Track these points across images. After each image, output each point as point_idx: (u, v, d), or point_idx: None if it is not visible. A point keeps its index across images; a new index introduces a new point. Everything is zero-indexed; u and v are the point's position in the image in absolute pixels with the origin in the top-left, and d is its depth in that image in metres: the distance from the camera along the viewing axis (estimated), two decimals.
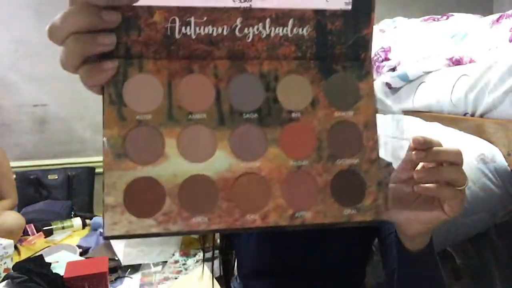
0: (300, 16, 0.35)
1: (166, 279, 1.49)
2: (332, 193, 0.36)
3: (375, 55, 1.65)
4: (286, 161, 0.35)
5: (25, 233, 1.92)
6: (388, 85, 1.58)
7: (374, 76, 1.68)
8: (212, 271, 0.76)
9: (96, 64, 0.32)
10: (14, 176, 2.12)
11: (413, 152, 0.40)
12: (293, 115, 0.36)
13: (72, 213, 2.23)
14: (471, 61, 1.23)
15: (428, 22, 1.62)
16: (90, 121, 2.44)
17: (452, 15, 1.60)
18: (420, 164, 0.41)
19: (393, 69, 1.60)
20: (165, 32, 0.33)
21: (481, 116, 1.08)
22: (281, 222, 0.35)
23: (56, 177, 2.36)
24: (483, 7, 2.56)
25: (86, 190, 2.40)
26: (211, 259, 0.77)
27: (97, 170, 2.45)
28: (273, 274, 0.71)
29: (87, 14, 0.30)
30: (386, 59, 1.62)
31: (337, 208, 0.36)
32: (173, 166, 0.34)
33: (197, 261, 1.62)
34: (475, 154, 0.97)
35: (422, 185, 0.40)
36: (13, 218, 1.82)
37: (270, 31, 0.35)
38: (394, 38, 1.66)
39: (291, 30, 0.35)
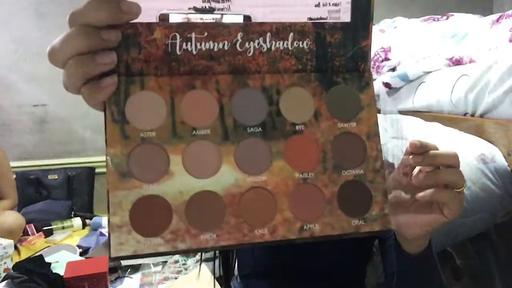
0: (300, 30, 0.35)
1: (166, 279, 1.49)
2: (339, 204, 0.36)
3: (375, 55, 1.65)
4: (292, 174, 0.35)
5: (25, 233, 1.92)
6: (388, 85, 1.58)
7: (374, 76, 1.68)
8: (214, 271, 0.76)
9: (95, 82, 0.32)
10: (14, 176, 2.12)
11: (410, 157, 0.40)
12: (297, 127, 0.36)
13: (72, 213, 2.23)
14: (471, 61, 1.23)
15: (428, 22, 1.62)
16: (90, 121, 2.44)
17: (452, 15, 1.60)
18: (417, 168, 0.42)
19: (393, 69, 1.60)
20: (166, 48, 0.33)
21: (481, 116, 1.08)
22: (289, 236, 0.35)
23: (56, 177, 2.36)
24: (483, 7, 2.57)
25: (86, 190, 2.40)
26: (211, 259, 0.77)
27: (97, 170, 2.45)
28: (273, 274, 0.71)
29: (86, 35, 0.30)
30: (386, 59, 1.62)
31: (344, 219, 0.36)
32: (179, 183, 0.33)
33: (197, 261, 1.62)
34: (475, 154, 0.97)
35: (421, 193, 0.40)
36: (13, 218, 1.83)
37: (271, 45, 0.35)
38: (394, 38, 1.66)
39: (292, 44, 0.36)
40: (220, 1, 0.34)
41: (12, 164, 2.10)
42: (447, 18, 1.58)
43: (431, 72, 1.36)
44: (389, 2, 2.52)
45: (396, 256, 0.50)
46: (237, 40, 0.34)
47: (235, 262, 0.82)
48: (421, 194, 0.40)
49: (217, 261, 0.78)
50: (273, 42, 0.35)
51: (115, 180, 0.33)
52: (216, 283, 0.84)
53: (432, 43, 1.45)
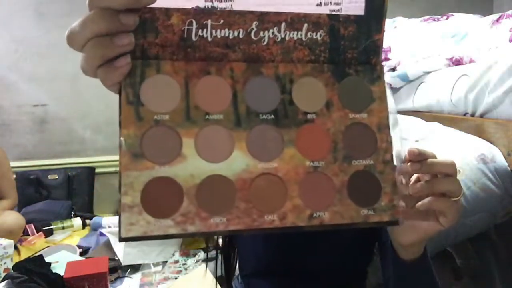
0: (315, 21, 0.36)
1: (166, 279, 1.49)
2: (348, 193, 0.36)
3: None
4: (303, 162, 0.36)
5: (25, 233, 1.92)
6: (388, 85, 1.58)
7: None
8: (216, 270, 0.76)
9: (110, 63, 0.32)
10: (14, 176, 2.12)
11: (408, 164, 0.40)
12: (309, 116, 0.37)
13: (72, 213, 2.23)
14: (471, 61, 1.23)
15: (428, 22, 1.62)
16: (90, 121, 2.44)
17: (452, 15, 1.60)
18: (414, 176, 0.42)
19: (393, 69, 1.60)
20: (182, 34, 0.34)
21: (481, 116, 1.08)
22: (299, 223, 0.35)
23: (56, 177, 2.36)
24: (483, 7, 2.57)
25: (86, 190, 2.40)
26: (213, 259, 0.77)
27: (97, 170, 2.45)
28: (275, 273, 0.71)
29: (105, 18, 0.31)
30: (386, 59, 1.62)
31: (354, 208, 0.36)
32: (190, 166, 0.34)
33: (197, 261, 1.62)
34: (475, 154, 0.97)
35: (419, 203, 0.41)
36: (13, 218, 1.83)
37: (285, 35, 0.36)
38: (394, 38, 1.66)
39: (306, 35, 0.36)
40: (223, 0, 0.34)
41: (12, 164, 2.10)
42: (447, 18, 1.58)
43: (431, 72, 1.36)
44: (389, 2, 2.51)
45: (392, 262, 0.51)
46: (252, 29, 0.35)
47: (236, 262, 0.82)
48: (419, 203, 0.41)
49: (218, 261, 0.78)
50: (288, 32, 0.35)
51: (127, 161, 0.33)
52: (217, 282, 0.84)
53: (432, 43, 1.45)
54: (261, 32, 0.35)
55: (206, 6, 0.34)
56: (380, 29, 0.37)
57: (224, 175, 0.34)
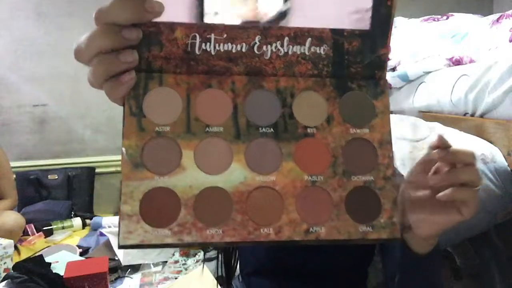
0: (318, 36, 0.36)
1: (166, 279, 1.49)
2: (347, 209, 0.36)
3: None
4: (301, 176, 0.36)
5: (25, 233, 1.92)
6: (388, 85, 1.58)
7: None
8: (217, 270, 0.76)
9: (115, 79, 0.33)
10: (14, 176, 2.12)
11: (436, 151, 0.40)
12: (309, 130, 0.37)
13: (72, 213, 2.23)
14: (471, 61, 1.23)
15: (428, 22, 1.62)
16: (90, 121, 2.44)
17: (452, 15, 1.60)
18: (434, 168, 0.42)
19: (393, 69, 1.60)
20: (186, 48, 0.35)
21: (481, 116, 1.08)
22: (295, 237, 0.35)
23: (56, 177, 2.36)
24: (483, 7, 2.56)
25: (86, 190, 2.40)
26: (213, 259, 0.77)
27: (97, 170, 2.45)
28: (275, 273, 0.71)
29: (109, 34, 0.32)
30: None
31: (352, 224, 0.36)
32: (189, 178, 0.34)
33: (197, 261, 1.62)
34: (475, 154, 0.97)
35: (441, 193, 0.40)
36: (13, 218, 1.82)
37: (288, 49, 0.36)
38: (394, 38, 1.66)
39: (309, 49, 0.36)
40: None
41: (12, 164, 2.10)
42: (447, 18, 1.58)
43: (431, 72, 1.36)
44: None
45: (401, 256, 0.50)
46: (255, 43, 0.35)
47: (237, 261, 0.82)
48: (441, 194, 0.40)
49: (218, 261, 0.78)
50: (290, 47, 0.36)
51: (128, 171, 0.34)
52: (216, 282, 0.84)
53: (432, 43, 1.45)
54: (264, 46, 0.35)
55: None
56: (385, 44, 0.37)
57: (222, 187, 0.35)
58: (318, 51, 0.36)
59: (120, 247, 0.33)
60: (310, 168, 0.36)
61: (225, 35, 0.35)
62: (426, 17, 1.64)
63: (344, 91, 0.38)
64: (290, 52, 0.36)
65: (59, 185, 2.35)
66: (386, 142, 0.37)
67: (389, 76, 1.55)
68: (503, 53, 1.07)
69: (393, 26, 0.37)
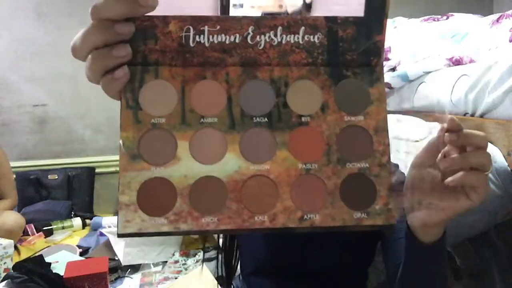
0: (312, 24, 0.36)
1: (166, 279, 1.49)
2: (341, 196, 0.36)
3: None
4: (295, 164, 0.36)
5: (25, 233, 1.92)
6: (388, 85, 1.58)
7: None
8: (218, 270, 0.76)
9: (110, 74, 0.34)
10: (14, 176, 2.12)
11: (447, 134, 0.39)
12: (303, 119, 0.37)
13: (72, 213, 2.23)
14: (471, 61, 1.23)
15: (428, 22, 1.62)
16: (90, 121, 2.44)
17: (452, 15, 1.60)
18: (442, 152, 0.41)
19: (393, 69, 1.59)
20: (180, 40, 0.35)
21: (481, 116, 1.08)
22: (289, 224, 0.35)
23: (56, 177, 2.36)
24: (483, 7, 2.57)
25: (86, 190, 2.40)
26: (213, 259, 0.77)
27: (97, 170, 2.45)
28: (275, 273, 0.71)
29: (102, 30, 0.33)
30: (386, 59, 1.62)
31: (346, 211, 0.36)
32: (184, 168, 0.35)
33: (197, 261, 1.62)
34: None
35: (450, 178, 0.39)
36: (13, 218, 1.82)
37: (282, 38, 0.36)
38: (394, 38, 1.66)
39: (302, 38, 0.36)
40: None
41: (12, 164, 2.09)
42: (447, 18, 1.57)
43: (431, 72, 1.36)
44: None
45: (407, 246, 0.49)
46: (248, 33, 0.35)
47: (237, 261, 0.82)
48: (450, 178, 0.39)
49: (218, 261, 0.78)
50: (284, 36, 0.36)
51: (125, 162, 0.35)
52: (216, 282, 0.84)
53: (432, 43, 1.45)
54: (258, 37, 0.35)
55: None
56: (381, 30, 0.37)
57: (217, 176, 0.35)
58: (312, 40, 0.36)
59: (119, 235, 0.34)
60: (305, 156, 0.36)
61: (218, 27, 0.35)
62: (426, 17, 1.64)
63: (339, 79, 0.38)
64: (283, 42, 0.36)
65: (59, 185, 2.35)
66: (382, 129, 0.37)
67: (389, 76, 1.55)
68: (503, 53, 1.07)
69: (388, 14, 0.36)
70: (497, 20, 1.21)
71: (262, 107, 0.37)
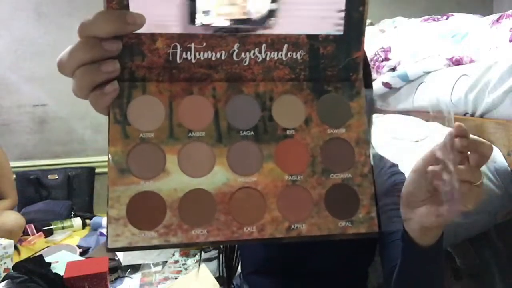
0: (294, 41, 0.37)
1: (166, 279, 1.49)
2: (326, 206, 0.37)
3: (375, 55, 1.65)
4: (281, 176, 0.37)
5: (25, 233, 1.92)
6: (388, 85, 1.58)
7: (374, 76, 1.68)
8: (218, 270, 0.76)
9: (99, 89, 0.35)
10: (14, 176, 2.12)
11: (457, 140, 0.39)
12: (288, 132, 0.38)
13: (72, 213, 2.23)
14: (471, 61, 1.23)
15: (428, 22, 1.62)
16: (90, 121, 2.44)
17: (452, 15, 1.60)
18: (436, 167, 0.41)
19: (393, 69, 1.59)
20: (167, 57, 0.36)
21: (481, 116, 1.08)
22: (277, 234, 0.36)
23: (56, 177, 2.36)
24: (483, 7, 2.57)
25: (86, 190, 2.40)
26: (212, 259, 0.77)
27: (97, 170, 2.45)
28: (276, 272, 0.71)
29: (90, 47, 0.33)
30: (386, 59, 1.62)
31: (331, 220, 0.37)
32: (173, 181, 0.36)
33: (197, 261, 1.62)
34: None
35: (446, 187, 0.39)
36: (13, 218, 1.82)
37: (266, 55, 0.37)
38: (394, 38, 1.66)
39: (286, 54, 0.38)
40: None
41: (12, 164, 2.10)
42: (447, 18, 1.57)
43: (431, 72, 1.36)
44: (389, 2, 2.52)
45: (403, 248, 0.49)
46: (234, 50, 0.37)
47: (238, 261, 0.82)
48: (447, 188, 0.39)
49: (217, 261, 0.78)
50: (268, 53, 0.37)
51: (114, 176, 0.35)
52: (216, 282, 0.84)
53: (432, 43, 1.45)
54: (243, 53, 0.37)
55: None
56: (359, 47, 0.38)
57: (205, 189, 0.36)
58: (294, 56, 0.38)
59: (108, 250, 0.34)
60: (290, 168, 0.37)
61: (204, 44, 0.36)
62: (426, 17, 1.64)
63: (321, 94, 0.39)
64: (268, 58, 0.37)
65: (59, 185, 2.35)
66: (363, 141, 0.39)
67: (389, 76, 1.55)
68: (503, 53, 1.07)
69: (365, 31, 0.38)
70: (497, 20, 1.21)
71: (248, 121, 0.38)
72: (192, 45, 0.36)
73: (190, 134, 0.37)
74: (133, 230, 0.34)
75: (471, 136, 0.40)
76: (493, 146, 0.98)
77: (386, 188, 0.64)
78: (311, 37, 0.37)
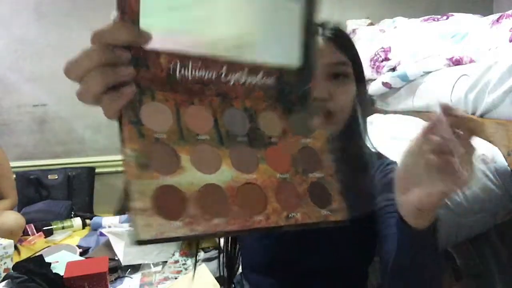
0: (267, 70, 0.46)
1: (166, 279, 1.50)
2: (311, 198, 0.44)
3: (375, 55, 1.65)
4: (274, 174, 0.44)
5: (25, 233, 1.92)
6: (388, 85, 1.58)
7: (374, 76, 1.68)
8: (218, 270, 0.76)
9: (115, 91, 0.37)
10: (14, 176, 2.12)
11: (448, 117, 0.41)
12: (272, 139, 0.46)
13: (72, 213, 2.23)
14: (471, 61, 1.23)
15: (428, 22, 1.62)
16: (90, 121, 2.44)
17: (452, 15, 1.60)
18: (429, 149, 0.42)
19: (393, 69, 1.59)
20: (168, 71, 0.41)
21: (481, 116, 1.08)
22: (280, 222, 0.42)
23: (56, 177, 2.36)
24: (483, 7, 2.57)
25: (86, 190, 2.40)
26: (212, 259, 0.77)
27: (97, 170, 2.45)
28: (276, 272, 0.72)
29: (106, 51, 0.36)
30: (386, 59, 1.62)
31: (316, 210, 0.44)
32: (190, 176, 0.40)
33: (197, 261, 1.62)
34: (476, 154, 0.97)
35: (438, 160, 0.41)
36: (13, 218, 1.83)
37: (246, 79, 0.45)
38: (394, 38, 1.66)
39: (261, 80, 0.46)
40: None
41: (12, 164, 2.10)
42: (447, 18, 1.58)
43: (431, 72, 1.36)
44: (389, 2, 2.52)
45: (398, 235, 0.50)
46: (222, 72, 0.43)
47: (239, 261, 0.82)
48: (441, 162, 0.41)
49: (216, 261, 0.78)
50: (248, 77, 0.45)
51: (136, 171, 0.38)
52: (216, 282, 0.84)
53: (432, 43, 1.45)
54: (229, 75, 0.44)
55: None
56: (312, 79, 0.48)
57: (217, 184, 0.40)
58: (267, 82, 0.46)
59: (139, 242, 0.35)
60: (279, 168, 0.44)
61: (199, 63, 0.42)
62: (426, 17, 1.64)
63: (290, 112, 0.48)
64: (247, 82, 0.45)
65: (59, 185, 2.35)
66: (325, 149, 0.48)
67: (389, 76, 1.55)
68: (503, 53, 1.07)
69: (317, 66, 0.48)
70: (497, 20, 1.21)
71: (242, 129, 0.44)
72: (190, 64, 0.41)
73: (197, 137, 0.42)
74: (160, 220, 0.36)
75: (461, 113, 0.42)
76: (493, 146, 0.99)
77: (384, 184, 0.65)
78: (279, 67, 0.46)
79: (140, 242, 0.35)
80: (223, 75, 0.43)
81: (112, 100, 0.37)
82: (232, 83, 0.44)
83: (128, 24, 0.37)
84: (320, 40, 0.64)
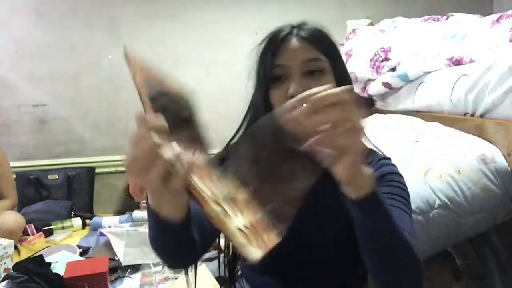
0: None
1: (166, 279, 1.49)
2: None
3: (375, 55, 1.65)
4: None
5: (25, 233, 1.92)
6: (388, 85, 1.58)
7: (374, 76, 1.68)
8: (218, 270, 0.76)
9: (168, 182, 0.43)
10: (14, 176, 2.12)
11: (299, 110, 0.42)
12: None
13: (72, 213, 2.23)
14: (471, 61, 1.23)
15: (428, 22, 1.62)
16: (90, 121, 2.44)
17: (452, 15, 1.60)
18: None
19: (393, 69, 1.59)
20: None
21: (481, 116, 1.08)
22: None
23: (56, 177, 2.36)
24: (483, 7, 2.56)
25: (86, 190, 2.40)
26: (212, 259, 0.77)
27: (97, 170, 2.45)
28: (275, 272, 0.71)
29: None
30: (386, 59, 1.62)
31: None
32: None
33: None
34: (476, 154, 0.97)
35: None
36: (13, 218, 1.82)
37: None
38: (394, 38, 1.66)
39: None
40: None
41: (12, 164, 2.10)
42: (447, 18, 1.57)
43: (431, 72, 1.36)
44: (389, 2, 2.52)
45: (351, 212, 0.52)
46: None
47: (238, 261, 0.82)
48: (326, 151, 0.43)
49: (216, 261, 0.78)
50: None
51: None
52: (216, 282, 0.84)
53: (432, 43, 1.45)
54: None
55: None
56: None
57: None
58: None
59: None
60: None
61: None
62: (426, 17, 1.64)
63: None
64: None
65: (59, 185, 2.35)
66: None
67: (389, 76, 1.55)
68: (503, 53, 1.07)
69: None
70: (497, 20, 1.21)
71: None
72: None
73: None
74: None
75: (314, 96, 0.42)
76: (493, 146, 0.99)
77: (376, 178, 0.65)
78: None
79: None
80: None
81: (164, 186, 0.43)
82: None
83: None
84: (294, 40, 0.65)
